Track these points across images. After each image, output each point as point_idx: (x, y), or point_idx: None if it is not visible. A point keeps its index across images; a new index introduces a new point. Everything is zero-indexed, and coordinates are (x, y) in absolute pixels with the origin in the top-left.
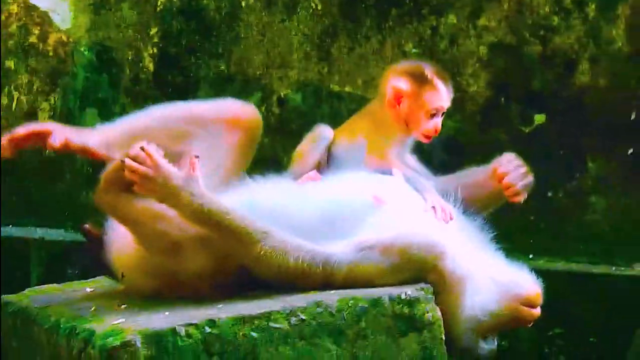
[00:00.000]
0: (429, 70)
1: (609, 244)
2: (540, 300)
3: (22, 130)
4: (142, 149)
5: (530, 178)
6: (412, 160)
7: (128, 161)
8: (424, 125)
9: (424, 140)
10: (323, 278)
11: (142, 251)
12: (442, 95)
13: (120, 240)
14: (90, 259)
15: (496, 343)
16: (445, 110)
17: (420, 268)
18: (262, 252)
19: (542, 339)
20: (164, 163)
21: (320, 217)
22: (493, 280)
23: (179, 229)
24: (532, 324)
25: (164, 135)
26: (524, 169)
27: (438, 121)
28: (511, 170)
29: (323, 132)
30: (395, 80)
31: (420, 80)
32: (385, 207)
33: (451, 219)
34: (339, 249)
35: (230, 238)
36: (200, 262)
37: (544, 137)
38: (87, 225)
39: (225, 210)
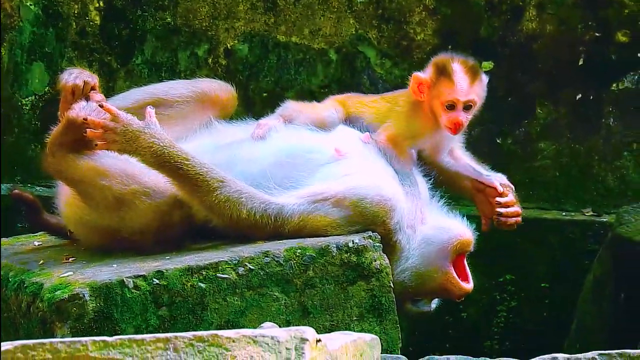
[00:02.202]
0: (455, 63)
1: (559, 190)
2: (470, 246)
3: None
4: (101, 105)
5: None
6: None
7: (90, 117)
8: (443, 116)
9: (450, 133)
10: (274, 229)
11: (87, 209)
12: (457, 89)
13: (67, 200)
14: (29, 221)
15: (433, 306)
16: (470, 105)
17: (371, 222)
18: (216, 201)
19: (493, 286)
20: (122, 113)
21: (274, 164)
22: (426, 240)
23: (122, 184)
24: (460, 299)
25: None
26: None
27: (456, 115)
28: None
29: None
30: (421, 71)
31: (440, 71)
32: (340, 160)
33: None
34: (292, 200)
35: (188, 183)
36: (142, 217)
37: (492, 84)
38: (17, 191)
39: (185, 155)
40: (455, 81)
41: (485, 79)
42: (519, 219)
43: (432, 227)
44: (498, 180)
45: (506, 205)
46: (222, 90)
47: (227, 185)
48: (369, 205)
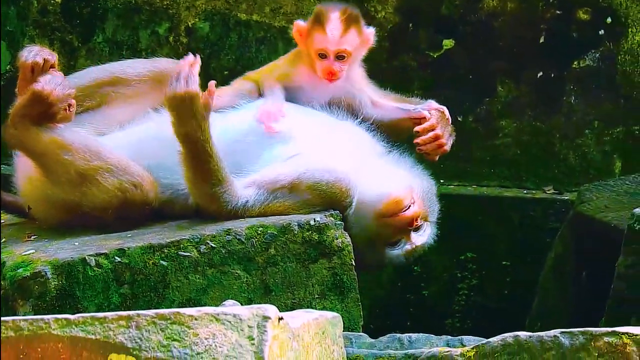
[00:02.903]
0: (332, 12)
1: (520, 168)
2: (401, 204)
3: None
4: None
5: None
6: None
7: (56, 91)
8: (318, 64)
9: (326, 81)
10: (237, 217)
11: (48, 184)
12: (328, 38)
13: (26, 175)
14: None
15: (403, 248)
16: (342, 54)
17: (329, 202)
18: (216, 194)
19: (454, 264)
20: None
21: (223, 153)
22: (360, 201)
23: (85, 159)
24: (412, 221)
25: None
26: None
27: (329, 64)
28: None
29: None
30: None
31: (316, 19)
32: (283, 139)
33: (275, 118)
34: (250, 192)
35: (202, 172)
36: (104, 194)
37: (453, 62)
38: None
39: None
40: (327, 30)
41: (367, 30)
42: (442, 142)
43: (367, 186)
44: (426, 107)
45: (424, 132)
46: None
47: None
48: (325, 188)
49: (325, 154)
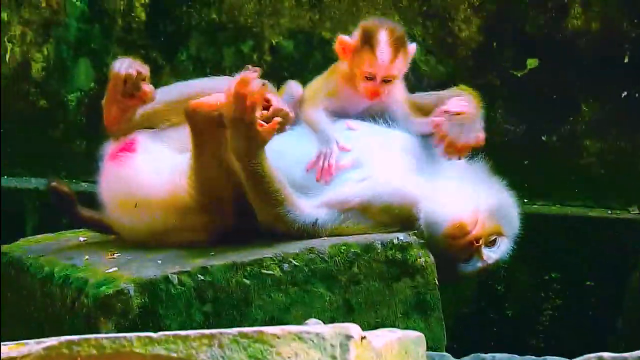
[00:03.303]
0: (382, 32)
1: (604, 188)
2: (465, 228)
3: None
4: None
5: (470, 138)
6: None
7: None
8: (362, 84)
9: (367, 99)
10: (310, 237)
11: (178, 194)
12: (379, 62)
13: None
14: (63, 214)
15: (475, 265)
16: (389, 79)
17: (399, 221)
18: (279, 214)
19: (538, 284)
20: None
21: (289, 172)
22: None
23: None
24: (476, 241)
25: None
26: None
27: (374, 85)
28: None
29: (290, 88)
30: (347, 35)
31: (365, 39)
32: (355, 162)
33: (329, 175)
34: (322, 212)
35: (260, 194)
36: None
37: (537, 81)
38: (54, 183)
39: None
40: (377, 54)
41: (412, 49)
42: (458, 146)
43: (433, 205)
44: (438, 114)
45: (439, 143)
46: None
47: (291, 201)
48: (396, 211)
49: (393, 174)
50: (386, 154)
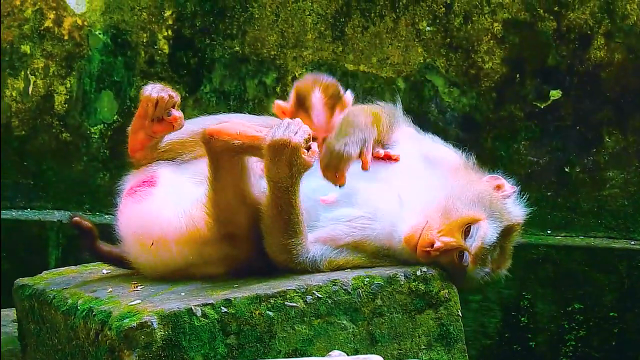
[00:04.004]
0: (315, 93)
1: (627, 219)
2: (413, 240)
3: None
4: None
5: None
6: None
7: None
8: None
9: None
10: (308, 272)
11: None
12: (316, 125)
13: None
14: (84, 249)
15: (465, 260)
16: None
17: (393, 257)
18: (292, 250)
19: (561, 315)
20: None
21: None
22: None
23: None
24: (431, 245)
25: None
26: None
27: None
28: None
29: None
30: (283, 100)
31: (300, 102)
32: (343, 200)
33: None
34: (317, 248)
35: (282, 223)
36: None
37: (560, 113)
38: (77, 218)
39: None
40: (312, 116)
41: (349, 98)
42: None
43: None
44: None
45: None
46: None
47: (304, 235)
48: (390, 251)
49: (385, 214)
50: (371, 189)
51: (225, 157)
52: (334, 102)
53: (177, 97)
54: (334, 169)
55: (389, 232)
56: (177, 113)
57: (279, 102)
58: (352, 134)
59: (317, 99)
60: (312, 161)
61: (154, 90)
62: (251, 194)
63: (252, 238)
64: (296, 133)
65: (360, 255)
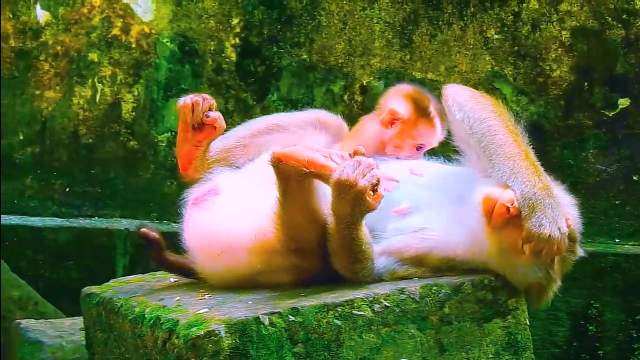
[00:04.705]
0: (433, 107)
1: None
2: (491, 201)
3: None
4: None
5: None
6: None
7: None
8: (406, 152)
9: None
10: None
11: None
12: (437, 135)
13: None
14: (151, 258)
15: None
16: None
17: (458, 268)
18: (359, 272)
19: (630, 324)
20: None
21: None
22: None
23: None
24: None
25: (256, 142)
26: None
27: (413, 154)
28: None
29: None
30: (397, 104)
31: (421, 112)
32: (411, 210)
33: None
34: (382, 260)
35: (346, 251)
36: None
37: (628, 121)
38: (144, 229)
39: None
40: (436, 127)
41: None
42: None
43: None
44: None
45: None
46: (333, 117)
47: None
48: (452, 263)
49: (447, 228)
50: (439, 199)
51: (293, 180)
52: (443, 115)
53: (211, 100)
54: (550, 255)
55: (455, 242)
56: (214, 114)
57: (395, 108)
58: (549, 208)
59: (434, 109)
60: (377, 205)
61: (187, 98)
62: (320, 213)
63: (320, 252)
64: (364, 176)
65: (424, 269)
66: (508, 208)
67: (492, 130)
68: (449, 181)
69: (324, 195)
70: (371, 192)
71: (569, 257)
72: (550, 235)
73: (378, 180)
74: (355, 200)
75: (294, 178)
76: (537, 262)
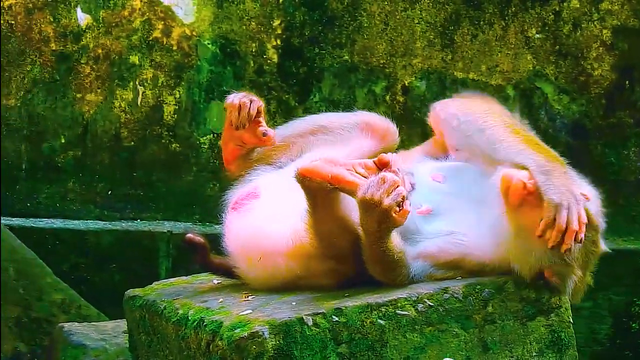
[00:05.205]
0: None
1: None
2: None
3: None
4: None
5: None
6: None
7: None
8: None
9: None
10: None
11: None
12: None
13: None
14: (198, 263)
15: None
16: None
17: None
18: (396, 279)
19: None
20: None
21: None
22: None
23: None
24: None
25: (300, 143)
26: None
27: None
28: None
29: None
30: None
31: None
32: (438, 216)
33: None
34: (418, 265)
35: (378, 261)
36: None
37: None
38: (190, 235)
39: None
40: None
41: None
42: None
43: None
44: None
45: None
46: (381, 120)
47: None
48: (486, 268)
49: (478, 231)
50: (461, 205)
51: (320, 194)
52: None
53: (259, 102)
54: (566, 223)
55: (486, 246)
56: (270, 132)
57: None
58: (563, 176)
59: None
60: (404, 221)
61: (235, 97)
62: (351, 222)
63: (357, 257)
64: (389, 194)
65: (461, 272)
66: (525, 184)
67: (489, 124)
68: (468, 183)
69: (354, 204)
70: (397, 208)
71: (590, 247)
72: (562, 203)
73: (403, 198)
74: (381, 218)
75: (320, 193)
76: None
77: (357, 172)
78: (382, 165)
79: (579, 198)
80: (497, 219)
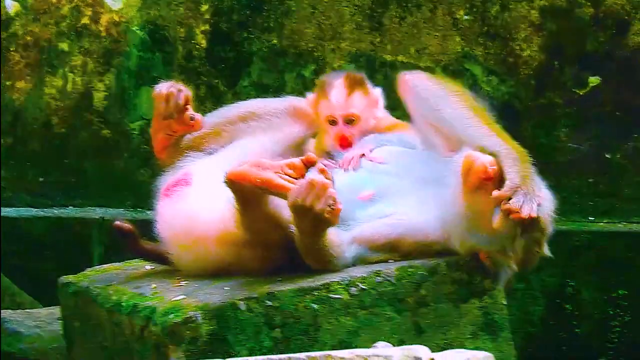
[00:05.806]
0: (335, 79)
1: None
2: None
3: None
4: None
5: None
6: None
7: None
8: (330, 132)
9: (339, 149)
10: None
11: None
12: (332, 104)
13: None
14: (128, 250)
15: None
16: (351, 118)
17: (430, 251)
18: (330, 267)
19: (606, 301)
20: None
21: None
22: None
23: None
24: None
25: (230, 130)
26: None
27: (339, 129)
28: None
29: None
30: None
31: (320, 89)
32: (377, 196)
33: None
34: (353, 249)
35: (314, 254)
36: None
37: (599, 99)
38: (118, 222)
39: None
40: (330, 96)
41: (374, 90)
42: None
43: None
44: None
45: None
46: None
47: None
48: (423, 248)
49: (415, 211)
50: (404, 186)
51: (250, 197)
52: (354, 85)
53: (187, 91)
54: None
55: (424, 224)
56: (198, 117)
57: (308, 95)
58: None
59: (337, 81)
60: (337, 219)
61: (163, 87)
62: (283, 219)
63: (288, 247)
64: (319, 198)
65: (395, 255)
66: (487, 168)
67: (460, 104)
68: (411, 165)
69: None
70: (329, 209)
71: (533, 247)
72: (522, 188)
73: (335, 200)
74: (314, 222)
75: (250, 195)
76: (505, 227)
77: (285, 174)
78: (309, 164)
79: (536, 194)
80: (444, 197)
